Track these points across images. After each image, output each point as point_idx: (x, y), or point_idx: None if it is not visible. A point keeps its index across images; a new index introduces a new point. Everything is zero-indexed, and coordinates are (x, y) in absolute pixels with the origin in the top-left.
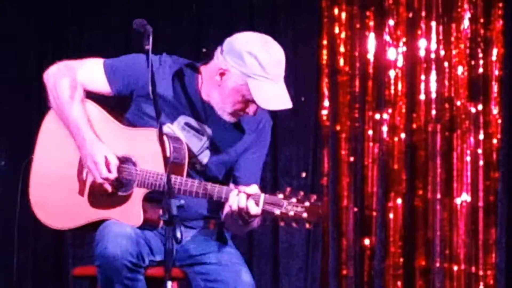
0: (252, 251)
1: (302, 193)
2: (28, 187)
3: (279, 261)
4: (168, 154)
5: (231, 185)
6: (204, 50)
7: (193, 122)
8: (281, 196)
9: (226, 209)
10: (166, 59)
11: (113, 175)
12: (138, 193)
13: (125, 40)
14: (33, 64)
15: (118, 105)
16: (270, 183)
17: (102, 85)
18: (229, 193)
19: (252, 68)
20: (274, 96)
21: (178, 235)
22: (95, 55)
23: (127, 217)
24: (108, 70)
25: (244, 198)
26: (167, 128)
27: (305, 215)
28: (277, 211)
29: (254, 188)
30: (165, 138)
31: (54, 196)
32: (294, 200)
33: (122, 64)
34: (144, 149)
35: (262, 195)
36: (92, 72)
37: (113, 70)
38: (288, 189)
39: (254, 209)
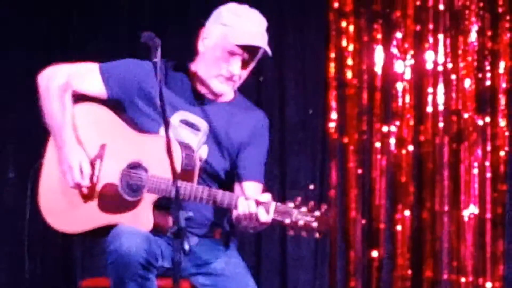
0: (260, 263)
1: (312, 202)
2: (37, 194)
3: (287, 273)
4: (178, 162)
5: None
6: None
7: (188, 116)
8: (291, 205)
9: (235, 213)
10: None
11: (85, 182)
12: (148, 199)
13: (129, 42)
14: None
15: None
16: (278, 195)
17: (98, 89)
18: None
19: (228, 19)
20: (250, 34)
21: (186, 247)
22: (100, 58)
23: (137, 222)
24: (105, 74)
25: (253, 204)
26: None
27: (315, 224)
28: (287, 220)
29: (266, 197)
30: (177, 145)
31: (64, 201)
32: (304, 209)
33: (118, 68)
34: (155, 155)
35: (273, 204)
36: (87, 75)
37: (110, 74)
38: (299, 198)
39: (264, 217)
